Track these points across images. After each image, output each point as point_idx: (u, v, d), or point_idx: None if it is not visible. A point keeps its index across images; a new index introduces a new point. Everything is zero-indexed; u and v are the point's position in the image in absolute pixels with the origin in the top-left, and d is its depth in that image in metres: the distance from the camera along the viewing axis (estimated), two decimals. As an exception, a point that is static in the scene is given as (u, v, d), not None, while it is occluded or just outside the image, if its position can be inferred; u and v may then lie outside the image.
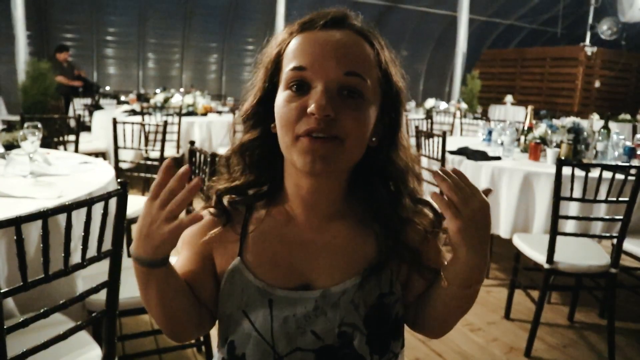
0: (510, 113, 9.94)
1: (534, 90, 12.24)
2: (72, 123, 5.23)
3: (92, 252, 1.33)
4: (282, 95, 0.75)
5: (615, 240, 2.35)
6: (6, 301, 1.52)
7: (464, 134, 6.69)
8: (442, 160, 3.23)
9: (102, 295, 1.42)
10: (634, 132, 7.09)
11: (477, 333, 2.63)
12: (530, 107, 3.95)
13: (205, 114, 6.13)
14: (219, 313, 0.84)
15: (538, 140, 3.31)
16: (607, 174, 2.37)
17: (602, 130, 3.33)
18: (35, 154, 2.21)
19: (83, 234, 1.28)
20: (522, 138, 3.63)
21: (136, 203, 3.01)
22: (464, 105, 8.38)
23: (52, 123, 4.44)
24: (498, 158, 3.22)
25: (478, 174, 3.08)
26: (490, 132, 3.89)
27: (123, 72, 11.53)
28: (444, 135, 3.21)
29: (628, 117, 8.09)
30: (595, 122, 4.48)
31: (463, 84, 10.16)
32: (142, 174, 3.84)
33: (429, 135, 3.45)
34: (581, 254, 2.47)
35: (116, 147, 3.75)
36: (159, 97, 6.18)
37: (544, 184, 2.79)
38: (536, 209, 2.85)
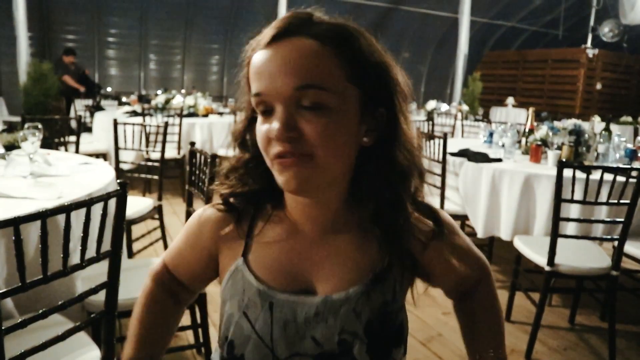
0: (512, 115, 9.94)
1: (535, 92, 12.23)
2: (73, 124, 5.24)
3: (91, 252, 1.33)
4: (258, 120, 0.73)
5: (616, 243, 2.34)
6: (5, 302, 1.52)
7: (465, 135, 6.68)
8: (443, 162, 3.23)
9: (101, 296, 1.42)
10: (636, 134, 7.09)
11: (477, 335, 2.62)
12: (531, 109, 3.95)
13: (206, 115, 6.13)
14: (220, 311, 0.84)
15: (539, 142, 3.31)
16: (608, 176, 2.37)
17: (603, 132, 3.32)
18: (36, 155, 2.21)
19: (82, 234, 1.28)
20: (523, 140, 3.63)
21: (136, 204, 3.02)
22: (465, 107, 8.37)
23: (53, 124, 4.45)
24: (499, 160, 3.22)
25: (479, 176, 3.07)
26: (491, 134, 3.89)
27: (124, 73, 11.54)
28: (445, 137, 3.21)
29: (629, 119, 8.08)
30: (597, 124, 4.47)
31: (464, 86, 10.15)
32: (143, 175, 3.83)
33: (430, 137, 3.45)
34: (582, 256, 2.46)
35: (117, 148, 3.75)
36: (160, 98, 6.18)
37: (545, 186, 2.79)
38: (537, 211, 2.85)
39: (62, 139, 4.44)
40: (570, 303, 2.91)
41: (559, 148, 3.18)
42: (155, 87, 10.94)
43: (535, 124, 3.80)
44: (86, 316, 1.72)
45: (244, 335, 0.79)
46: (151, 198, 3.40)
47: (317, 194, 0.76)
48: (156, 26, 11.26)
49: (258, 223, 0.83)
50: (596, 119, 4.83)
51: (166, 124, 3.75)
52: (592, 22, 10.92)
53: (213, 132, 5.64)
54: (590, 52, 10.99)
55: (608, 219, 2.49)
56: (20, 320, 1.17)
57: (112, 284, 1.41)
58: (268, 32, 0.71)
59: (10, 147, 2.62)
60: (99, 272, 1.46)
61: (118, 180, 1.38)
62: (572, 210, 2.66)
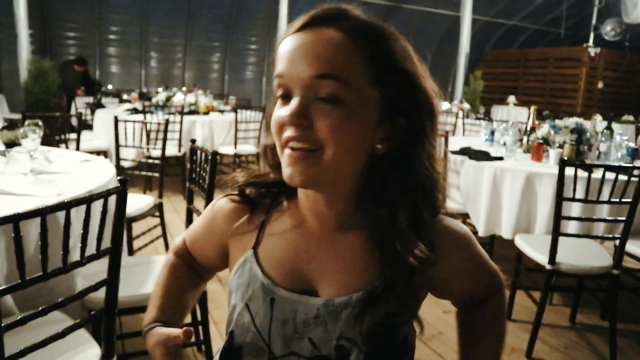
0: (513, 113, 9.92)
1: (536, 90, 12.21)
2: (74, 121, 5.24)
3: (91, 250, 1.33)
4: (276, 105, 0.73)
5: (617, 242, 2.34)
6: (5, 299, 1.52)
7: (466, 134, 6.67)
8: (445, 160, 3.22)
9: (101, 293, 1.42)
10: (637, 133, 7.08)
11: (478, 334, 2.62)
12: (533, 108, 3.94)
13: (207, 113, 6.13)
14: (228, 300, 0.85)
15: (541, 141, 3.30)
16: (610, 175, 2.36)
17: (605, 131, 3.32)
18: (36, 152, 2.21)
19: (82, 231, 1.28)
20: (525, 138, 3.62)
21: (137, 201, 3.01)
22: (466, 106, 8.37)
23: (53, 121, 4.45)
24: (500, 158, 3.21)
25: (480, 174, 3.07)
26: (492, 133, 3.88)
27: (125, 71, 11.54)
28: (446, 136, 3.21)
29: (631, 118, 8.08)
30: (598, 123, 4.46)
31: (466, 84, 10.13)
32: (144, 173, 3.83)
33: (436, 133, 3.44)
34: (583, 255, 2.46)
35: (117, 146, 3.75)
36: (161, 96, 6.18)
37: (547, 185, 2.78)
38: (538, 210, 2.84)
39: (62, 136, 4.44)
40: (571, 302, 2.90)
41: (561, 147, 3.18)
42: (156, 84, 10.94)
43: (536, 122, 3.79)
44: (86, 313, 1.72)
45: (244, 327, 0.79)
46: (152, 195, 3.40)
47: (321, 189, 0.75)
48: (157, 24, 11.26)
49: (272, 216, 0.83)
50: (598, 117, 4.82)
51: (167, 122, 3.75)
52: (594, 21, 10.89)
53: (214, 130, 5.64)
54: (592, 51, 10.97)
55: (609, 218, 2.48)
56: (20, 317, 1.17)
57: (112, 281, 1.41)
58: (300, 19, 0.71)
59: (11, 144, 2.61)
60: (99, 269, 1.46)
61: (118, 178, 1.38)
62: (574, 209, 2.66)
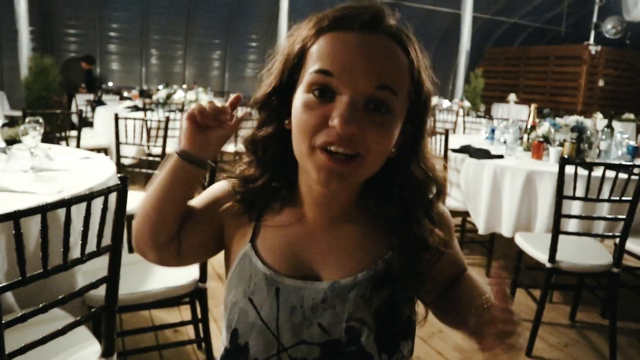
0: (514, 111, 9.92)
1: (537, 88, 12.20)
2: (75, 118, 5.24)
3: (91, 247, 1.33)
4: (302, 98, 0.70)
5: (617, 240, 2.34)
6: (5, 296, 1.52)
7: (466, 132, 6.67)
8: (445, 159, 3.22)
9: (101, 290, 1.42)
10: (638, 131, 7.08)
11: (478, 332, 2.62)
12: (533, 106, 3.94)
13: (207, 111, 6.12)
14: (224, 301, 0.82)
15: (541, 139, 3.30)
16: (610, 173, 2.36)
17: (605, 129, 3.31)
18: (37, 149, 2.21)
19: (83, 229, 1.28)
20: (525, 136, 3.62)
21: (137, 199, 3.01)
22: (467, 104, 8.36)
23: (54, 118, 4.45)
24: (501, 156, 3.21)
25: (481, 173, 3.07)
26: (493, 131, 3.88)
27: (126, 68, 11.54)
28: (446, 133, 3.20)
29: (632, 116, 8.07)
30: (599, 121, 4.46)
31: (466, 82, 10.13)
32: (144, 170, 3.83)
33: (432, 133, 3.43)
34: (583, 253, 2.46)
35: (118, 143, 3.74)
36: (161, 93, 6.17)
37: (547, 183, 2.78)
38: (539, 208, 2.84)
39: (63, 134, 4.44)
40: (571, 300, 2.91)
41: (561, 145, 3.18)
42: (157, 82, 10.93)
43: (537, 120, 3.79)
44: (86, 310, 1.72)
45: (248, 323, 0.77)
46: (152, 193, 3.39)
47: (343, 188, 0.75)
48: (157, 21, 11.25)
49: (267, 210, 0.82)
50: (598, 115, 4.82)
51: (167, 119, 3.75)
52: (594, 19, 10.88)
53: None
54: (593, 49, 10.96)
55: (610, 216, 2.48)
56: (20, 314, 1.17)
57: (112, 278, 1.41)
58: (351, 16, 0.69)
59: (12, 141, 2.61)
60: (99, 266, 1.46)
61: (119, 175, 1.38)
62: (574, 207, 2.65)
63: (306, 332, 0.76)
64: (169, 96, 6.08)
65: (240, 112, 0.80)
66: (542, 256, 2.41)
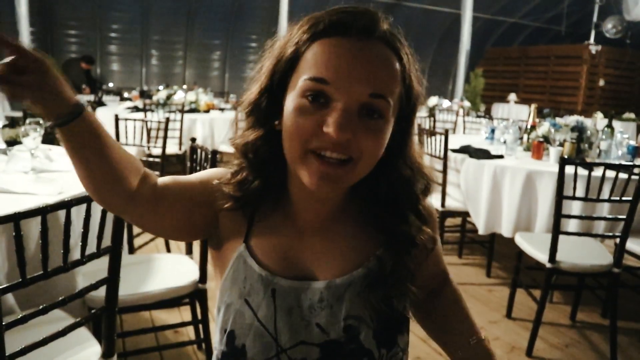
0: (514, 111, 9.91)
1: (537, 88, 12.19)
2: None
3: (91, 248, 1.33)
4: (294, 102, 0.69)
5: (618, 240, 2.34)
6: (6, 297, 1.52)
7: (466, 132, 6.67)
8: (445, 159, 3.22)
9: (101, 291, 1.42)
10: (638, 131, 7.07)
11: (478, 332, 2.62)
12: (533, 106, 3.94)
13: (207, 111, 6.13)
14: (218, 303, 0.82)
15: (541, 139, 3.30)
16: (610, 173, 2.36)
17: (605, 129, 3.31)
18: (37, 150, 2.21)
19: (83, 230, 1.28)
20: (525, 136, 3.62)
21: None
22: (467, 104, 8.35)
23: (54, 119, 4.43)
24: (501, 156, 3.21)
25: (481, 173, 3.07)
26: (493, 131, 3.88)
27: (126, 69, 11.53)
28: (446, 134, 3.20)
29: (632, 116, 8.06)
30: (599, 120, 4.46)
31: (466, 82, 10.12)
32: (144, 171, 3.83)
33: (432, 133, 3.44)
34: (584, 253, 2.46)
35: (118, 144, 3.74)
36: (161, 94, 6.17)
37: (547, 183, 2.78)
38: (539, 208, 2.84)
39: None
40: (571, 300, 2.91)
41: (561, 145, 3.18)
42: (157, 82, 10.92)
43: (537, 120, 3.79)
44: (87, 312, 1.72)
45: (245, 324, 0.77)
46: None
47: (334, 190, 0.76)
48: (158, 22, 11.25)
49: (260, 210, 0.82)
50: (599, 115, 4.82)
51: (167, 120, 3.75)
52: (595, 18, 10.87)
53: (214, 128, 5.64)
54: (593, 49, 10.95)
55: (610, 216, 2.48)
56: (21, 315, 1.17)
57: (112, 279, 1.42)
58: (347, 22, 0.69)
59: (12, 142, 2.62)
60: (99, 267, 1.46)
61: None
62: (574, 207, 2.65)
63: (304, 333, 0.76)
64: (169, 97, 6.09)
65: None
66: (542, 256, 2.41)
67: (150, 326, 2.47)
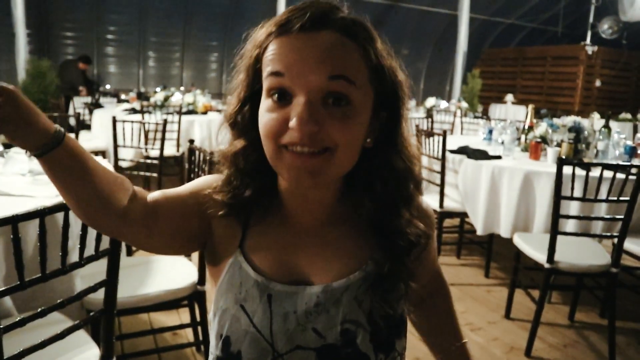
0: (511, 112, 9.94)
1: (534, 89, 12.23)
2: (72, 121, 5.23)
3: (90, 251, 1.33)
4: (264, 104, 0.71)
5: (616, 240, 2.34)
6: (3, 300, 1.52)
7: (464, 133, 6.68)
8: (443, 159, 3.23)
9: (100, 294, 1.42)
10: (635, 131, 7.09)
11: (477, 332, 2.63)
12: (531, 106, 3.94)
13: (205, 113, 6.13)
14: (213, 309, 0.81)
15: (539, 139, 3.31)
16: (608, 173, 2.36)
17: (602, 129, 3.32)
18: (34, 153, 2.20)
19: (81, 232, 1.28)
20: (523, 137, 3.62)
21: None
22: (464, 104, 8.37)
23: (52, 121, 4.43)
24: (498, 157, 3.22)
25: (478, 173, 3.07)
26: (490, 131, 3.89)
27: (123, 71, 11.52)
28: (444, 134, 3.21)
29: (629, 116, 8.09)
30: (596, 121, 4.48)
31: (464, 83, 10.14)
32: (142, 173, 3.83)
33: (430, 134, 3.45)
34: (582, 253, 2.46)
35: (116, 146, 3.74)
36: (159, 96, 6.17)
37: (545, 183, 2.79)
38: (537, 208, 2.85)
39: (60, 137, 4.42)
40: (569, 300, 2.91)
41: (559, 145, 3.18)
42: (154, 84, 10.91)
43: (534, 121, 3.80)
44: (85, 314, 1.72)
45: (241, 330, 0.76)
46: (150, 196, 3.39)
47: (319, 187, 0.76)
48: (155, 23, 11.24)
49: (254, 216, 0.81)
50: (595, 115, 4.84)
51: (165, 122, 3.75)
52: (591, 19, 10.92)
53: (212, 130, 5.63)
54: (590, 49, 10.99)
55: (608, 216, 2.49)
56: (19, 318, 1.17)
57: (111, 282, 1.41)
58: (294, 19, 0.70)
59: (9, 144, 2.61)
60: (98, 270, 1.46)
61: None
62: (572, 208, 2.66)
63: (301, 338, 0.76)
64: (166, 98, 6.08)
65: None
66: (540, 256, 2.42)
67: (148, 328, 2.46)
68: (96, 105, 7.02)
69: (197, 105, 6.18)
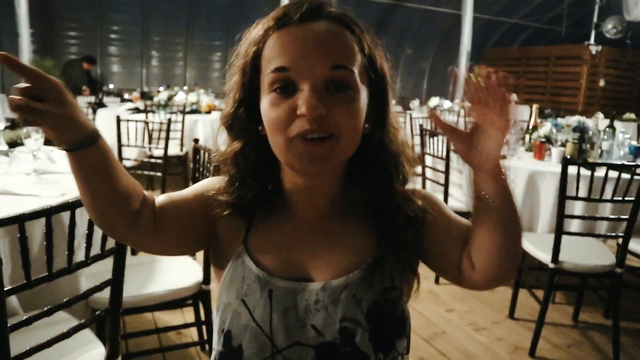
0: (515, 112, 9.90)
1: (538, 89, 12.19)
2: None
3: (95, 250, 1.33)
4: (267, 99, 0.73)
5: (620, 240, 2.34)
6: (10, 299, 1.52)
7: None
8: (447, 159, 3.22)
9: (105, 293, 1.42)
10: (639, 131, 7.06)
11: (481, 332, 2.62)
12: (535, 106, 3.94)
13: (209, 112, 6.13)
14: (217, 304, 0.82)
15: (543, 139, 3.30)
16: (612, 173, 2.36)
17: (607, 129, 3.31)
18: (39, 152, 2.21)
19: (87, 232, 1.28)
20: (527, 137, 3.61)
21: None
22: (467, 104, 8.35)
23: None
24: (503, 157, 3.20)
25: (482, 173, 3.06)
26: (494, 131, 3.87)
27: (127, 70, 11.53)
28: (448, 134, 3.19)
29: (633, 116, 8.05)
30: (600, 121, 4.45)
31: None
32: (146, 172, 3.83)
33: (433, 133, 3.44)
34: (586, 253, 2.46)
35: (120, 145, 3.75)
36: (162, 95, 6.17)
37: (549, 183, 2.78)
38: (541, 208, 2.84)
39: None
40: (574, 300, 2.90)
41: (563, 145, 3.17)
42: (158, 84, 10.93)
43: (538, 120, 3.79)
44: (91, 313, 1.72)
45: (241, 324, 0.77)
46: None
47: (325, 175, 0.78)
48: (158, 23, 11.25)
49: (258, 213, 0.83)
50: (599, 115, 4.81)
51: (169, 121, 3.75)
52: (595, 19, 10.87)
53: (216, 129, 5.63)
54: (594, 49, 10.94)
55: (612, 216, 2.48)
56: (25, 317, 1.17)
57: (116, 281, 1.42)
58: (292, 11, 0.73)
59: (14, 144, 2.62)
60: (103, 269, 1.46)
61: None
62: (576, 208, 2.65)
63: (300, 334, 0.76)
64: (170, 98, 6.09)
65: None
66: (544, 256, 2.41)
67: (153, 328, 2.47)
68: (100, 104, 7.03)
69: (200, 105, 6.19)
